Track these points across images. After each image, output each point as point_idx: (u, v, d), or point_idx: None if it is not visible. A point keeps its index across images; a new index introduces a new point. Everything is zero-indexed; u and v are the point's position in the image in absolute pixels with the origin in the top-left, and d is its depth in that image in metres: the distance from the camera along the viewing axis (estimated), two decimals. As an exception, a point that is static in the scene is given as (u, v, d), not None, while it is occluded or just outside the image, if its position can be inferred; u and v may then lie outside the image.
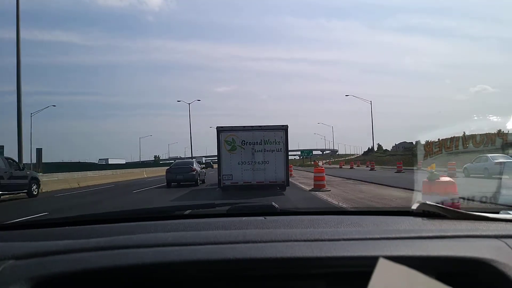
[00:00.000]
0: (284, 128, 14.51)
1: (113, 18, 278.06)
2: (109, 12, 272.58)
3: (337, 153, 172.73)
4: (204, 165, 21.39)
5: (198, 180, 19.34)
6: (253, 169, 14.27)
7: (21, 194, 14.97)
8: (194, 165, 19.79)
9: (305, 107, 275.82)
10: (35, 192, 15.57)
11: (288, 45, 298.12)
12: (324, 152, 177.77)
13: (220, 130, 14.60)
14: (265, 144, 14.35)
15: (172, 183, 18.62)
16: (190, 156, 55.83)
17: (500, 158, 14.36)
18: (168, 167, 20.62)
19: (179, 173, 18.79)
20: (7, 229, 1.39)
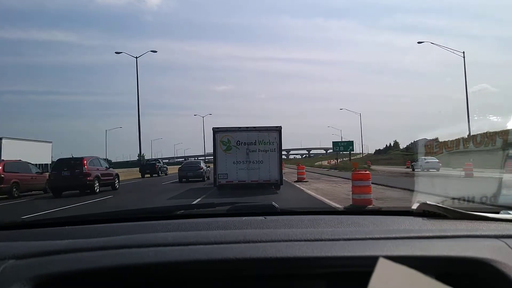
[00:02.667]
0: (278, 129, 14.91)
1: (111, 17, 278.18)
2: (107, 11, 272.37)
3: (341, 151, 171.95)
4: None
5: (205, 177, 22.43)
6: (247, 168, 14.64)
7: (163, 174, 34.33)
8: (201, 164, 23.79)
9: (306, 107, 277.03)
10: (167, 174, 34.99)
11: (287, 45, 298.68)
12: (328, 151, 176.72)
13: (215, 130, 15.04)
14: (259, 144, 14.73)
15: (183, 179, 22.10)
16: (139, 153, 46.36)
17: (429, 159, 27.00)
18: (180, 166, 25.09)
19: (189, 170, 22.57)
20: (7, 229, 1.39)
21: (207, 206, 1.72)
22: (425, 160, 26.53)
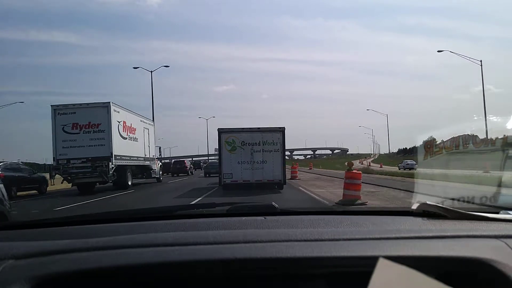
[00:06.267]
0: (281, 130, 15.28)
1: (111, 17, 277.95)
2: (107, 10, 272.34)
3: (347, 152, 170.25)
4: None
5: None
6: (252, 168, 14.98)
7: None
8: None
9: (309, 107, 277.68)
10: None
11: (289, 46, 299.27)
12: (334, 151, 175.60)
13: (221, 131, 15.41)
14: (263, 144, 15.07)
15: (207, 174, 30.40)
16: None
17: (408, 161, 40.23)
18: (205, 165, 37.67)
19: (212, 168, 30.15)
20: (7, 229, 1.39)
21: (207, 206, 1.72)
22: (405, 162, 40.82)
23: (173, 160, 41.63)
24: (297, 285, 0.93)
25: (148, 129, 21.89)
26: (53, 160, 16.00)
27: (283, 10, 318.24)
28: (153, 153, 22.74)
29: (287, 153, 15.22)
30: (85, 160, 15.82)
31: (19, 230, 1.34)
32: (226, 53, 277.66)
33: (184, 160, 38.08)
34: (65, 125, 15.90)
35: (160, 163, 25.51)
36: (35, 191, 17.27)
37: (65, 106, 16.22)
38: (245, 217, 1.36)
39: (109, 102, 16.28)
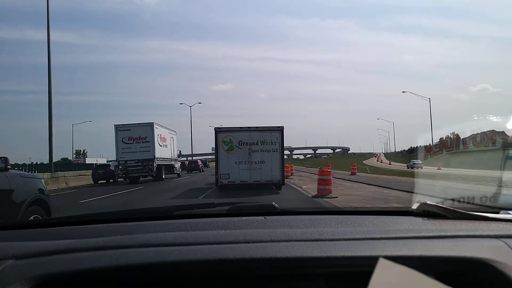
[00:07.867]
0: (280, 129, 14.95)
1: (108, 15, 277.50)
2: (103, 9, 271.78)
3: (349, 151, 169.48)
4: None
5: None
6: (249, 168, 14.69)
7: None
8: None
9: (308, 106, 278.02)
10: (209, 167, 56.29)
11: (289, 46, 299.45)
12: (336, 151, 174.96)
13: (218, 130, 15.07)
14: (261, 144, 14.77)
15: None
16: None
17: (415, 161, 40.97)
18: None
19: None
20: (7, 229, 1.39)
21: (207, 206, 1.72)
22: (413, 161, 43.98)
23: (187, 160, 53.07)
24: (297, 285, 0.93)
25: (173, 138, 29.47)
26: (116, 161, 24.31)
27: (281, 10, 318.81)
28: (175, 155, 30.37)
29: (286, 152, 14.96)
30: (137, 161, 23.53)
31: (19, 230, 1.34)
32: (224, 52, 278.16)
33: (197, 160, 48.67)
34: (123, 137, 23.54)
35: (180, 163, 34.03)
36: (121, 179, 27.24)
37: (123, 125, 23.93)
38: (245, 217, 1.36)
39: (153, 122, 24.03)
